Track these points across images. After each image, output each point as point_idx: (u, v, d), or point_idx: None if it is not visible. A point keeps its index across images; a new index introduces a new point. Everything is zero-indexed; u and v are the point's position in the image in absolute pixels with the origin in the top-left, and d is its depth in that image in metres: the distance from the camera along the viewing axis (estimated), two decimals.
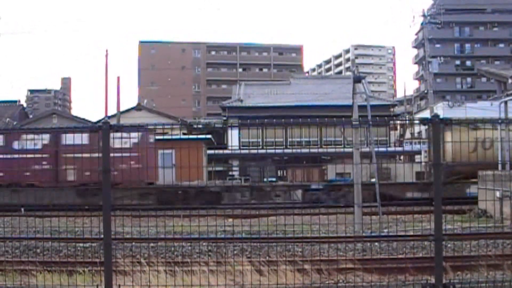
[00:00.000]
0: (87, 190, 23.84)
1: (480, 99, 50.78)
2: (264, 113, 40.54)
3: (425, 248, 11.49)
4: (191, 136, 33.04)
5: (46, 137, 23.34)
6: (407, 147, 38.62)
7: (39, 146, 22.44)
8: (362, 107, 18.39)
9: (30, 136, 20.69)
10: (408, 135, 47.30)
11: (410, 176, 29.61)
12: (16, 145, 23.75)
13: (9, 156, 22.95)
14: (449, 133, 18.91)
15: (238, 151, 40.84)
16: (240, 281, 7.48)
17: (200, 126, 55.07)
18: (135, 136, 23.39)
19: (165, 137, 23.52)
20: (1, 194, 22.09)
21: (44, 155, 24.60)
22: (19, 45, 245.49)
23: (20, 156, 22.78)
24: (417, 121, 25.45)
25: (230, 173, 39.79)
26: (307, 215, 17.20)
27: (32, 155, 21.96)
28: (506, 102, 22.67)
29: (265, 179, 32.63)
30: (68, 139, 17.15)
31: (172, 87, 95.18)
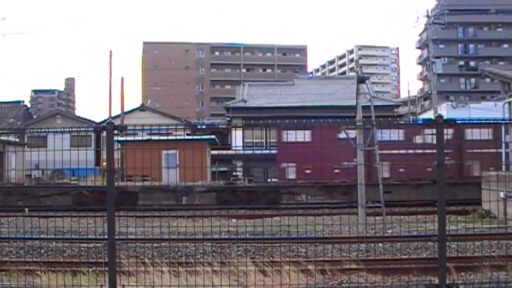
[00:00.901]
0: None
1: (484, 100, 50.63)
2: (268, 113, 40.51)
3: (429, 249, 11.48)
4: (195, 137, 33.04)
5: (449, 132, 23.35)
6: None
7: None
8: (366, 108, 18.38)
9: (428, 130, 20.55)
10: None
11: None
12: (418, 139, 22.51)
13: (411, 151, 21.85)
14: None
15: (242, 152, 40.86)
16: (244, 281, 7.49)
17: (203, 126, 55.23)
18: None
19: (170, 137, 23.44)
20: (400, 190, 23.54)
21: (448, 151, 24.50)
22: (22, 46, 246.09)
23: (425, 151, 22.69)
24: (420, 122, 25.49)
25: (234, 173, 39.78)
26: (311, 215, 17.24)
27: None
28: (510, 103, 22.57)
29: (268, 180, 32.57)
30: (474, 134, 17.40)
31: (175, 87, 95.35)
